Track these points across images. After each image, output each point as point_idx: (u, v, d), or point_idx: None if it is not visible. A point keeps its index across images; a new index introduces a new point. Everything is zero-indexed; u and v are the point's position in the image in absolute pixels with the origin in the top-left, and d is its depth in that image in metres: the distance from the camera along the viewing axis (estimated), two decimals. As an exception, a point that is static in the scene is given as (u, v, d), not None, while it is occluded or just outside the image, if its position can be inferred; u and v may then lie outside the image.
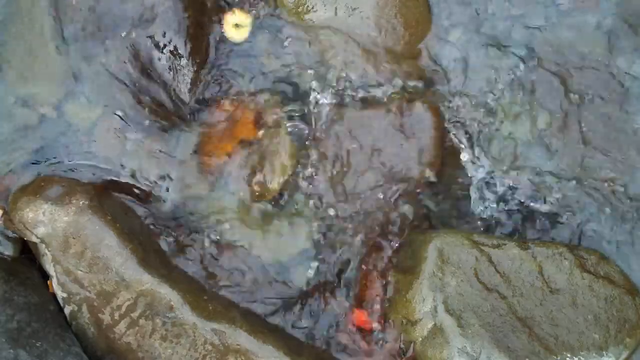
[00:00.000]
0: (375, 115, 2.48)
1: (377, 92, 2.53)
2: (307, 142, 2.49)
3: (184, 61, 2.45)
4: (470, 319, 2.20)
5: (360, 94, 2.53)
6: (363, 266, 2.43)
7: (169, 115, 2.48)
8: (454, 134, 2.52)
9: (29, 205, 2.25)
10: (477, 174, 2.50)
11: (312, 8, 2.53)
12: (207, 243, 2.43)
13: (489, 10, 2.58)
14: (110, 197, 2.38)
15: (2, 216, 2.35)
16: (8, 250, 2.37)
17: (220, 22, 2.55)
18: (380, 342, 2.37)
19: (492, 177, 2.50)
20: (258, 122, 2.51)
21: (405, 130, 2.47)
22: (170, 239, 2.42)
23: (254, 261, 2.43)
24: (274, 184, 2.45)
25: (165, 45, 2.43)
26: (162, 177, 2.46)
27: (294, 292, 2.42)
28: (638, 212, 2.46)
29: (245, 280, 2.41)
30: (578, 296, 2.24)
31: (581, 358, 2.19)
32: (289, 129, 2.49)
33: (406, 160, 2.46)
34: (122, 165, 2.44)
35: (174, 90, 2.46)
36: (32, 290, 2.29)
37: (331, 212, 2.46)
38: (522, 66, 2.55)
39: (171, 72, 2.45)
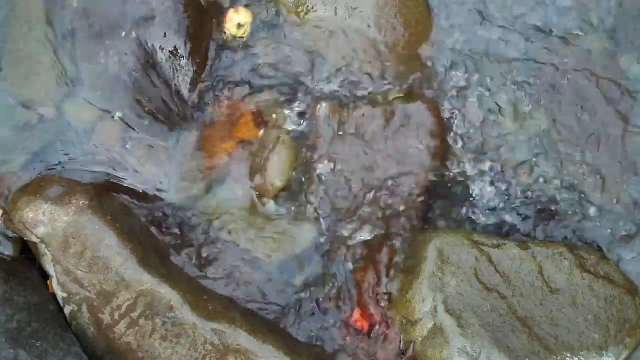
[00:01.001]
0: (375, 115, 2.48)
1: (377, 92, 2.53)
2: (307, 142, 2.49)
3: (184, 61, 2.45)
4: (470, 319, 2.20)
5: (360, 93, 2.53)
6: (363, 266, 2.43)
7: (169, 115, 2.48)
8: (454, 134, 2.52)
9: (29, 205, 2.25)
10: (477, 173, 2.50)
11: (312, 8, 2.52)
12: (207, 243, 2.43)
13: (488, 11, 2.58)
14: (110, 197, 2.38)
15: (2, 216, 2.35)
16: (8, 250, 2.37)
17: (220, 20, 2.55)
18: (380, 342, 2.37)
19: (492, 177, 2.50)
20: (258, 122, 2.51)
21: (405, 130, 2.47)
22: (170, 239, 2.42)
23: (254, 261, 2.43)
24: (274, 183, 2.45)
25: (165, 45, 2.43)
26: (162, 177, 2.46)
27: (294, 292, 2.41)
28: (638, 212, 2.46)
29: (245, 280, 2.41)
30: (578, 296, 2.24)
31: (581, 358, 2.19)
32: (289, 129, 2.49)
33: (406, 160, 2.46)
34: (122, 165, 2.44)
35: (174, 90, 2.46)
36: (32, 290, 2.29)
37: (331, 211, 2.46)
38: (522, 66, 2.55)
39: (171, 72, 2.44)
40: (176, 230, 2.43)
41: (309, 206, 2.46)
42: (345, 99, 2.52)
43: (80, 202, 2.26)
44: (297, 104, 2.51)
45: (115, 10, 2.42)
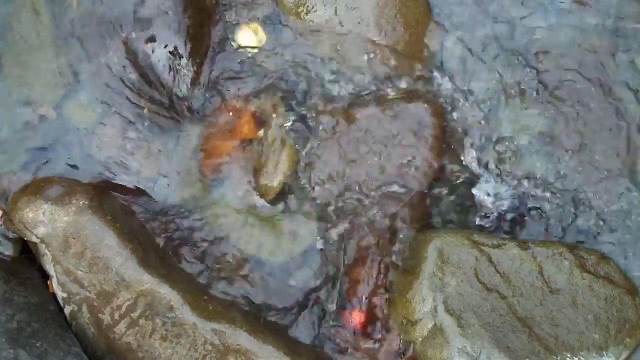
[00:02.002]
0: (375, 115, 2.48)
1: (377, 92, 2.53)
2: (307, 142, 2.49)
3: (184, 61, 2.45)
4: (470, 319, 2.20)
5: (360, 93, 2.53)
6: (363, 266, 2.43)
7: (168, 115, 2.48)
8: (454, 133, 2.52)
9: (29, 205, 2.25)
10: (477, 173, 2.50)
11: (312, 8, 2.53)
12: (207, 243, 2.43)
13: (489, 11, 2.58)
14: (110, 197, 2.38)
15: (2, 216, 2.35)
16: (8, 250, 2.37)
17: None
18: (380, 342, 2.37)
19: (492, 177, 2.50)
20: (258, 122, 2.51)
21: (405, 130, 2.47)
22: (170, 239, 2.42)
23: (254, 261, 2.43)
24: (274, 183, 2.45)
25: (165, 45, 2.43)
26: (162, 177, 2.46)
27: (294, 292, 2.41)
28: (638, 212, 2.46)
29: (245, 280, 2.41)
30: (578, 296, 2.24)
31: (581, 358, 2.19)
32: (289, 129, 2.49)
33: (406, 160, 2.46)
34: (122, 165, 2.44)
35: (174, 90, 2.46)
36: (32, 290, 2.29)
37: (331, 211, 2.46)
38: (522, 66, 2.55)
39: (171, 72, 2.45)
40: (176, 230, 2.43)
41: (308, 206, 2.46)
42: (345, 98, 2.52)
43: (80, 202, 2.26)
44: (297, 104, 2.52)
45: (115, 11, 2.42)
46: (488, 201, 2.49)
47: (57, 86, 2.44)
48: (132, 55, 2.43)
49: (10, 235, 2.37)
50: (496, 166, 2.51)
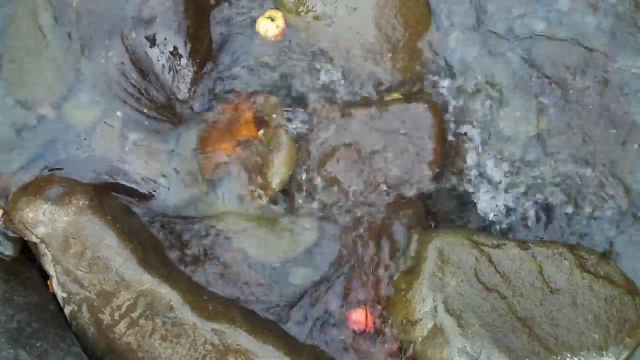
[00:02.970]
0: (376, 115, 2.48)
1: (377, 92, 2.53)
2: (307, 142, 2.49)
3: (184, 61, 2.45)
4: (470, 319, 2.20)
5: (360, 93, 2.53)
6: (363, 266, 2.43)
7: (168, 115, 2.48)
8: (454, 133, 2.52)
9: (29, 205, 2.25)
10: (477, 173, 2.50)
11: (312, 8, 2.53)
12: (207, 243, 2.43)
13: (488, 10, 2.58)
14: (110, 197, 2.38)
15: (2, 216, 2.35)
16: (8, 250, 2.37)
17: (220, 18, 2.56)
18: (380, 342, 2.37)
19: (492, 177, 2.50)
20: (258, 122, 2.51)
21: (405, 130, 2.47)
22: (170, 239, 2.42)
23: (254, 261, 2.43)
24: (274, 183, 2.45)
25: (165, 45, 2.43)
26: (162, 177, 2.46)
27: (294, 292, 2.42)
28: (638, 212, 2.46)
29: (245, 280, 2.41)
30: (578, 296, 2.24)
31: (581, 358, 2.19)
32: (289, 129, 2.49)
33: (406, 160, 2.46)
34: (122, 165, 2.44)
35: (174, 90, 2.46)
36: (32, 290, 2.29)
37: (331, 211, 2.46)
38: (522, 66, 2.55)
39: (171, 72, 2.44)
40: (176, 230, 2.43)
41: (308, 206, 2.46)
42: (345, 99, 2.52)
43: (80, 202, 2.26)
44: (297, 104, 2.52)
45: (115, 11, 2.42)
46: (488, 201, 2.49)
47: (57, 86, 2.44)
48: (132, 55, 2.43)
49: (10, 235, 2.37)
50: (496, 166, 2.51)
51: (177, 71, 2.45)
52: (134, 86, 2.44)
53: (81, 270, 2.23)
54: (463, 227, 2.46)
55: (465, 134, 2.52)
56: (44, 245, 2.25)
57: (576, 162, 2.50)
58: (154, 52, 2.42)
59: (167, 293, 2.22)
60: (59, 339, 2.19)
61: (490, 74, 2.55)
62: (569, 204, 2.48)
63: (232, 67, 2.55)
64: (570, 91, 2.53)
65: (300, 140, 2.49)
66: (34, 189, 2.30)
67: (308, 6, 2.53)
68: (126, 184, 2.44)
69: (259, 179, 2.46)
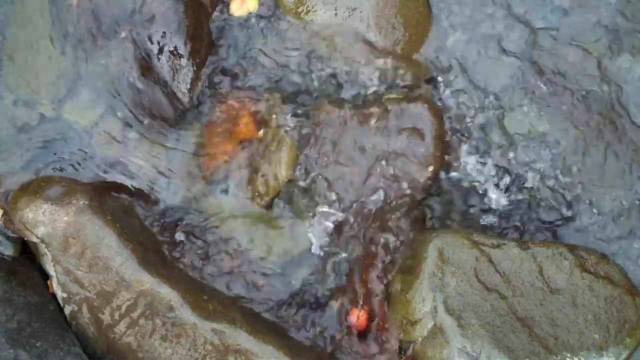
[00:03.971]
0: (376, 115, 2.48)
1: (377, 92, 2.53)
2: (307, 142, 2.49)
3: (184, 61, 2.45)
4: (470, 319, 2.20)
5: (360, 93, 2.53)
6: (363, 266, 2.43)
7: (168, 115, 2.48)
8: (454, 134, 2.52)
9: (29, 205, 2.25)
10: (477, 173, 2.50)
11: (312, 8, 2.53)
12: (207, 243, 2.43)
13: (488, 10, 2.58)
14: (110, 197, 2.38)
15: (2, 216, 2.35)
16: (8, 250, 2.37)
17: (219, 17, 2.56)
18: (380, 341, 2.37)
19: (492, 177, 2.50)
20: (258, 122, 2.51)
21: (405, 130, 2.47)
22: (171, 239, 2.42)
23: (254, 261, 2.43)
24: (274, 183, 2.45)
25: (165, 45, 2.43)
26: (162, 177, 2.46)
27: (294, 292, 2.42)
28: (638, 212, 2.46)
29: (245, 280, 2.41)
30: (578, 296, 2.24)
31: (581, 358, 2.19)
32: (289, 129, 2.49)
33: (406, 160, 2.46)
34: (122, 165, 2.44)
35: (174, 90, 2.46)
36: (32, 290, 2.29)
37: (331, 211, 2.46)
38: (522, 66, 2.55)
39: (171, 72, 2.45)
40: (176, 230, 2.43)
41: (308, 206, 2.46)
42: (345, 99, 2.52)
43: (80, 202, 2.26)
44: (297, 104, 2.52)
45: (115, 10, 2.42)
46: (488, 201, 2.49)
47: (57, 86, 2.44)
48: (132, 56, 2.43)
49: (10, 235, 2.37)
50: (496, 166, 2.51)
51: (177, 71, 2.45)
52: (134, 86, 2.44)
53: (81, 270, 2.23)
54: (463, 227, 2.46)
55: (465, 134, 2.52)
56: (44, 245, 2.25)
57: (577, 162, 2.50)
58: (154, 52, 2.42)
59: (167, 293, 2.22)
60: (59, 339, 2.19)
61: (490, 74, 2.55)
62: (569, 203, 2.48)
63: (233, 67, 2.55)
64: (571, 91, 2.53)
65: (300, 140, 2.49)
66: (34, 189, 2.30)
67: (308, 6, 2.53)
68: (126, 183, 2.44)
69: (259, 179, 2.46)
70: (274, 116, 2.50)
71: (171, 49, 2.43)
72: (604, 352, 2.20)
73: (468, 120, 2.53)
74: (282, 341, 2.26)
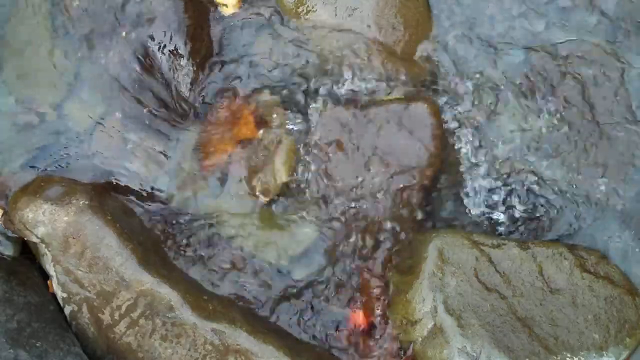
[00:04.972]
0: (375, 115, 2.48)
1: (377, 92, 2.53)
2: (307, 142, 2.49)
3: (184, 61, 2.45)
4: (470, 319, 2.20)
5: (360, 93, 2.53)
6: (363, 266, 2.43)
7: (169, 115, 2.48)
8: (453, 134, 2.52)
9: (29, 205, 2.25)
10: (477, 173, 2.50)
11: (312, 8, 2.53)
12: (207, 243, 2.43)
13: (488, 11, 2.59)
14: (110, 197, 2.38)
15: (2, 216, 2.35)
16: (8, 250, 2.37)
17: (219, 17, 2.56)
18: (380, 341, 2.37)
19: (492, 177, 2.50)
20: (258, 122, 2.51)
21: (405, 130, 2.47)
22: (171, 239, 2.42)
23: (254, 261, 2.43)
24: (274, 183, 2.45)
25: (165, 45, 2.43)
26: (162, 177, 2.46)
27: (294, 292, 2.41)
28: (638, 212, 2.46)
29: (245, 280, 2.41)
30: (578, 296, 2.24)
31: (581, 358, 2.19)
32: (289, 129, 2.49)
33: (406, 160, 2.46)
34: (122, 165, 2.44)
35: (174, 90, 2.46)
36: (32, 290, 2.29)
37: (331, 212, 2.46)
38: (522, 66, 2.55)
39: (171, 72, 2.45)
40: (176, 230, 2.43)
41: (308, 206, 2.46)
42: (345, 99, 2.52)
43: (80, 202, 2.26)
44: (297, 104, 2.52)
45: (116, 11, 2.42)
46: (488, 201, 2.49)
47: (57, 86, 2.44)
48: (132, 55, 2.43)
49: (10, 235, 2.37)
50: (496, 166, 2.51)
51: (177, 71, 2.45)
52: (134, 86, 2.44)
53: (81, 270, 2.23)
54: (463, 227, 2.46)
55: (465, 133, 2.52)
56: (44, 245, 2.25)
57: (577, 161, 2.50)
58: (154, 52, 2.42)
59: (167, 293, 2.22)
60: (59, 339, 2.19)
61: (490, 73, 2.55)
62: (569, 203, 2.48)
63: (233, 66, 2.55)
64: (572, 90, 2.53)
65: (299, 140, 2.49)
66: (34, 189, 2.30)
67: (308, 6, 2.53)
68: (126, 183, 2.44)
69: (259, 179, 2.46)
70: (273, 116, 2.50)
71: (171, 48, 2.43)
72: (604, 352, 2.20)
73: (468, 119, 2.53)
74: (282, 341, 2.26)
